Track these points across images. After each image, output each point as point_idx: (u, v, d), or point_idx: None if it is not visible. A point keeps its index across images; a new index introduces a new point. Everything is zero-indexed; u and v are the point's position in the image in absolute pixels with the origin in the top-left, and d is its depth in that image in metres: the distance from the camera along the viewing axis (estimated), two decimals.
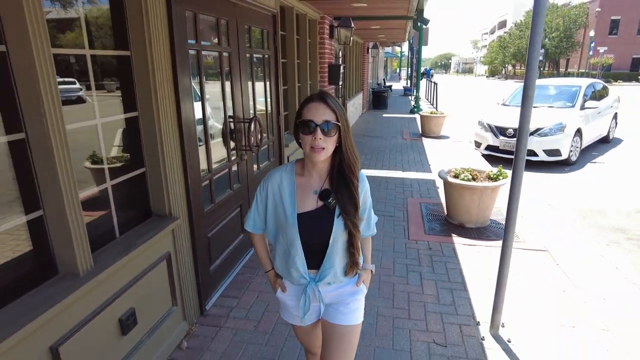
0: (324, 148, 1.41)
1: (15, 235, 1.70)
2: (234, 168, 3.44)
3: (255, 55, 3.85)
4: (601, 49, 40.79)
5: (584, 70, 42.41)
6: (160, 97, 2.30)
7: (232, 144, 3.38)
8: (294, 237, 1.50)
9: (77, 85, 1.94)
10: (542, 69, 49.20)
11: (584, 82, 8.75)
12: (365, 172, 1.63)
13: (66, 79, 1.90)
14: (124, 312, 2.10)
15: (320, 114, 1.40)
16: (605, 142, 9.52)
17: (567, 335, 2.70)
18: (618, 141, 9.85)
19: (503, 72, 63.61)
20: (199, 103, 2.85)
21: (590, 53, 41.56)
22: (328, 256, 1.53)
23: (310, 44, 6.25)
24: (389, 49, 32.52)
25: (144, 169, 2.38)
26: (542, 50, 45.29)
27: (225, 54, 3.14)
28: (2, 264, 1.61)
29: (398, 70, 58.63)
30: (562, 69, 49.40)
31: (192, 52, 2.65)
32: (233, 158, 3.39)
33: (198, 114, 2.76)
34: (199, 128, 2.82)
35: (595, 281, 3.42)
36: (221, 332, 2.72)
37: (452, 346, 2.61)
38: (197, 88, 2.81)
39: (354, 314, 1.64)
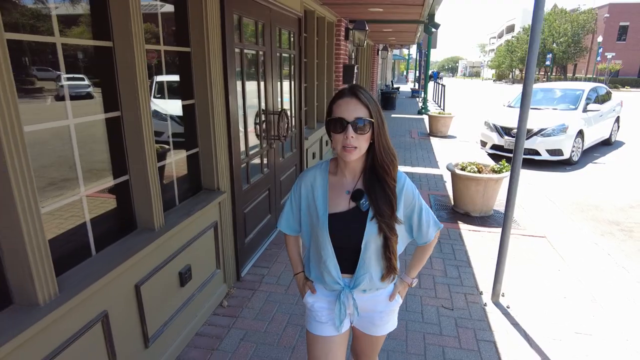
0: (356, 147, 1.32)
1: (105, 196, 2.11)
2: (265, 154, 3.85)
3: (283, 54, 4.25)
4: (609, 55, 40.93)
5: (591, 76, 42.53)
6: (213, 88, 2.71)
7: (264, 134, 3.78)
8: (325, 238, 1.43)
9: (86, 82, 1.93)
10: (549, 73, 49.38)
11: (587, 86, 9.10)
12: None
13: (75, 75, 1.85)
14: (183, 267, 2.50)
15: (351, 110, 1.31)
16: (607, 145, 9.85)
17: (559, 304, 3.08)
18: (620, 144, 10.17)
19: (510, 76, 63.76)
20: (240, 95, 3.25)
21: (598, 59, 41.69)
22: (361, 261, 1.43)
23: (327, 45, 6.65)
24: (397, 52, 32.92)
25: (198, 149, 2.79)
26: (550, 55, 45.51)
27: (261, 52, 3.55)
28: (98, 217, 2.02)
29: (405, 73, 58.94)
30: (569, 74, 49.51)
31: (236, 50, 3.06)
32: (264, 146, 3.79)
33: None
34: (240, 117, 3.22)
35: (587, 263, 3.79)
36: (256, 294, 3.12)
37: (458, 310, 3.00)
38: (238, 82, 3.21)
39: (388, 324, 1.61)
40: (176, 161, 2.63)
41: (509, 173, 4.64)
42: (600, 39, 41.77)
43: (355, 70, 7.68)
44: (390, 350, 2.55)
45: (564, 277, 3.48)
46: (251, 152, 3.51)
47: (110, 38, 1.93)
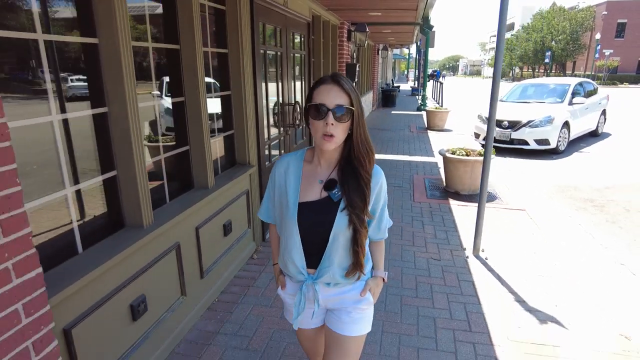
0: (334, 135, 1.31)
1: (169, 163, 2.79)
2: (282, 140, 4.53)
3: (295, 54, 4.94)
4: (607, 52, 41.52)
5: (589, 73, 43.10)
6: (245, 82, 3.39)
7: (281, 122, 4.47)
8: (292, 227, 1.40)
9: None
10: (549, 71, 50.00)
11: (573, 80, 9.76)
12: (377, 157, 1.50)
13: (81, 77, 1.98)
14: (226, 221, 3.19)
15: (332, 96, 1.30)
16: (594, 136, 10.49)
17: (529, 257, 3.74)
18: (606, 135, 10.82)
19: (510, 74, 64.36)
20: (264, 88, 3.94)
21: (597, 56, 42.26)
22: (327, 253, 1.41)
23: (332, 46, 7.34)
24: (397, 51, 33.60)
25: (233, 131, 3.48)
26: (549, 53, 46.13)
27: (279, 53, 4.24)
28: (172, 180, 2.70)
29: (406, 72, 59.60)
30: (568, 72, 50.07)
31: (261, 51, 3.74)
32: (281, 132, 4.48)
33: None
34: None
35: (558, 231, 4.44)
36: None
37: (444, 260, 3.67)
38: (263, 77, 3.89)
39: (357, 324, 1.52)
40: (215, 140, 3.32)
41: (493, 156, 5.34)
42: (598, 36, 42.35)
43: (357, 69, 8.36)
44: (388, 286, 3.23)
45: (536, 240, 4.14)
46: (272, 136, 4.20)
47: (178, 42, 2.62)
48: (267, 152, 4.08)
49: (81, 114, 1.94)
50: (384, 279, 1.58)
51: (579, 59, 48.73)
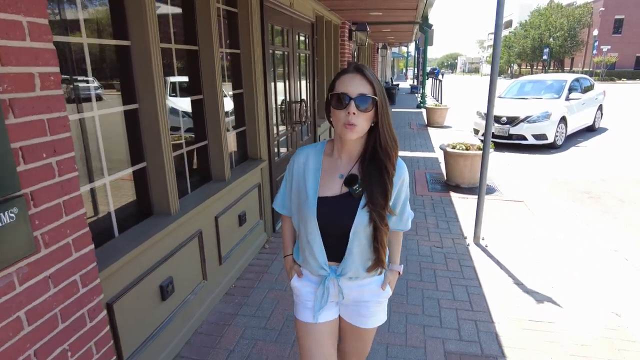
0: (357, 125, 1.28)
1: (189, 156, 2.98)
2: (289, 136, 4.72)
3: (300, 54, 5.13)
4: (605, 48, 41.69)
5: (587, 69, 43.28)
6: (256, 80, 3.58)
7: (288, 119, 4.65)
8: (312, 222, 1.38)
9: (96, 84, 2.04)
10: (547, 68, 50.22)
11: (570, 77, 9.96)
12: None
13: (88, 79, 1.98)
14: (241, 212, 3.38)
15: (355, 85, 1.28)
16: (591, 131, 10.69)
17: (527, 245, 3.93)
18: (603, 130, 11.02)
19: (509, 71, 64.56)
20: (273, 86, 4.12)
21: (594, 52, 42.44)
22: (349, 250, 1.39)
23: (334, 45, 7.53)
24: (395, 49, 33.78)
25: (245, 127, 3.67)
26: (547, 50, 46.33)
27: (286, 53, 4.43)
28: (192, 172, 2.89)
29: (404, 70, 59.77)
30: (567, 68, 50.31)
31: (270, 51, 3.93)
32: (288, 129, 4.67)
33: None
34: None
35: (556, 221, 4.64)
36: None
37: (446, 248, 3.86)
38: (272, 76, 4.08)
39: (375, 317, 1.55)
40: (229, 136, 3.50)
41: (492, 150, 5.53)
42: (596, 32, 42.52)
43: None
44: None
45: (534, 229, 4.34)
46: (280, 133, 4.38)
47: (197, 43, 2.81)
48: (276, 148, 4.26)
49: (116, 109, 2.14)
50: (399, 272, 1.60)
51: (576, 56, 48.93)
